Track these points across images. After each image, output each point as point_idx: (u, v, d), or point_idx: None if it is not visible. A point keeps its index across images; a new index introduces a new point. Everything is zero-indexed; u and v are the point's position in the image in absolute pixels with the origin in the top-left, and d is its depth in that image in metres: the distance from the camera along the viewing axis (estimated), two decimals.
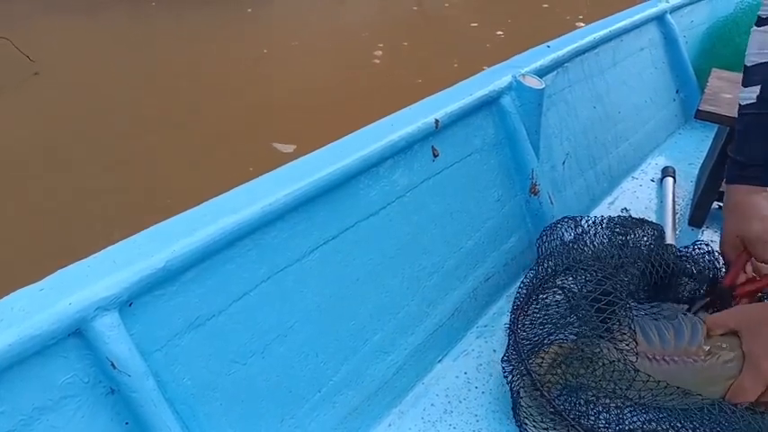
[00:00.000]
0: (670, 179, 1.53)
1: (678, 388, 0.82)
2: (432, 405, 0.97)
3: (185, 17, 5.64)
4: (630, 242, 1.08)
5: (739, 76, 1.41)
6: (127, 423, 0.67)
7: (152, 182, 3.03)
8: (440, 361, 1.05)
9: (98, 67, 4.47)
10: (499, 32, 5.01)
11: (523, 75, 1.19)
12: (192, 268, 0.73)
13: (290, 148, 3.32)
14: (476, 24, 5.34)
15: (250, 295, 0.79)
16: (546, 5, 5.99)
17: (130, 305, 0.67)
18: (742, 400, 0.82)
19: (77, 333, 0.63)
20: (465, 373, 1.02)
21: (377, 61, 4.71)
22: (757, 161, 0.91)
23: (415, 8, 6.25)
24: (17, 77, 4.22)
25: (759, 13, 0.93)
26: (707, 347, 0.86)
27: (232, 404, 0.77)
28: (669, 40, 1.81)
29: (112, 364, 0.64)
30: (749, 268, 0.97)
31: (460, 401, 0.97)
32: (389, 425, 0.94)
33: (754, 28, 0.93)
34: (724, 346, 0.86)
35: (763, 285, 0.95)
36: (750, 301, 0.96)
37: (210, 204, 0.78)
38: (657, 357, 0.87)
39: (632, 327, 0.86)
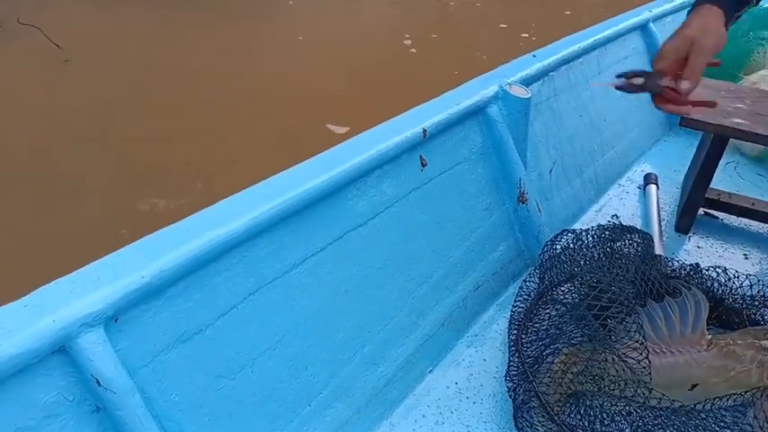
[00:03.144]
0: (653, 186, 1.54)
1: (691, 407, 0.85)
2: (423, 416, 0.96)
3: (220, 7, 5.65)
4: (623, 250, 1.09)
5: (722, 83, 1.44)
6: None
7: (212, 164, 3.01)
8: (430, 371, 1.04)
9: (134, 55, 4.41)
10: (524, 35, 5.08)
11: (510, 84, 1.20)
12: (178, 282, 0.72)
13: (343, 130, 3.31)
14: (505, 25, 5.41)
15: (238, 309, 0.78)
16: (568, 12, 6.11)
17: (116, 321, 0.66)
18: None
19: (61, 350, 0.62)
20: (456, 383, 1.02)
21: (413, 50, 4.82)
22: None
23: (452, 3, 6.38)
24: (48, 65, 4.17)
25: None
26: (709, 336, 0.90)
27: (220, 420, 0.76)
28: (652, 48, 1.83)
29: (98, 382, 0.63)
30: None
31: (452, 412, 0.97)
32: None
33: None
34: (726, 339, 0.91)
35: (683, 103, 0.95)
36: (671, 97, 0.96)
37: (197, 217, 0.77)
38: (664, 350, 0.90)
39: (642, 341, 0.87)
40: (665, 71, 0.92)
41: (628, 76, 0.93)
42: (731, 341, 0.91)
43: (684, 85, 0.91)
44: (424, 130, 1.03)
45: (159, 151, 3.13)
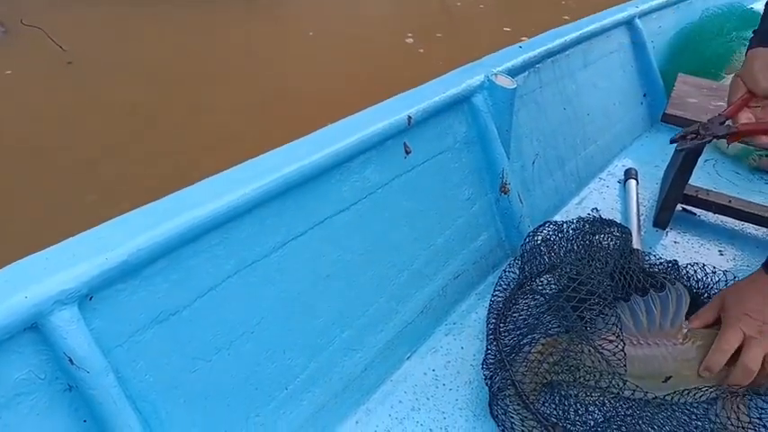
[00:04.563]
0: (633, 181, 1.56)
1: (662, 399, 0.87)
2: (399, 402, 0.97)
3: (228, 6, 5.57)
4: (603, 243, 1.10)
5: (704, 81, 1.45)
6: (85, 421, 0.65)
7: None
8: (408, 358, 1.05)
9: (139, 56, 4.31)
10: (523, 38, 5.11)
11: (496, 74, 1.20)
12: (156, 262, 0.71)
13: None
14: (509, 29, 5.43)
15: (216, 291, 0.77)
16: (566, 17, 6.17)
17: (90, 299, 0.65)
18: (728, 347, 0.87)
19: (33, 327, 0.61)
20: (433, 370, 1.02)
21: (421, 50, 4.82)
22: None
23: (458, 3, 6.38)
24: (51, 67, 4.06)
25: None
26: (685, 330, 0.92)
27: (196, 402, 0.75)
28: (637, 44, 1.84)
29: (70, 360, 0.62)
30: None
31: (428, 398, 0.97)
32: (356, 422, 0.93)
33: None
34: (700, 334, 0.92)
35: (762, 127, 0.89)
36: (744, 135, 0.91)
37: (177, 196, 0.76)
38: (641, 342, 0.91)
39: (619, 333, 0.88)
40: (728, 114, 0.89)
41: (680, 137, 0.91)
42: (705, 336, 0.93)
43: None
44: (409, 117, 1.02)
45: (168, 154, 3.08)
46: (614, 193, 1.56)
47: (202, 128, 3.36)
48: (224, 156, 3.02)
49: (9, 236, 2.40)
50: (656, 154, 1.75)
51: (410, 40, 4.94)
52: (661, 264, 1.11)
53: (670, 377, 0.89)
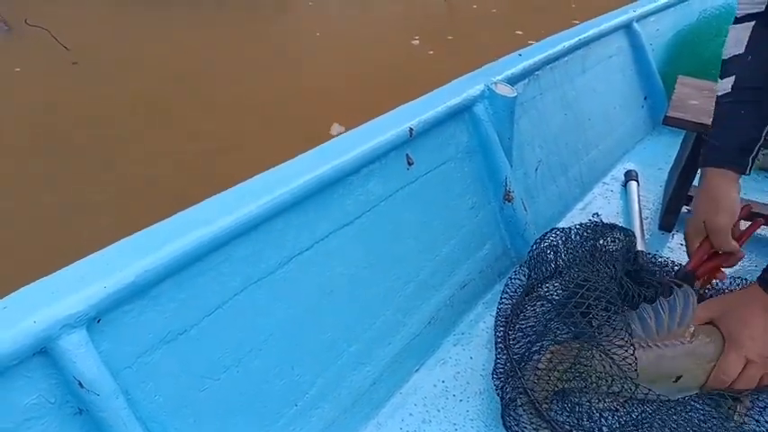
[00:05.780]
0: (634, 183, 1.55)
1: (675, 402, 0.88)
2: (410, 415, 0.96)
3: (237, 6, 5.62)
4: (608, 248, 1.09)
5: (704, 82, 1.46)
6: None
7: (220, 169, 2.95)
8: (417, 370, 1.04)
9: (145, 56, 4.34)
10: (531, 41, 5.12)
11: (496, 83, 1.20)
12: (162, 282, 0.71)
13: None
14: (521, 33, 5.46)
15: (223, 309, 0.77)
16: (576, 21, 6.21)
17: (98, 322, 0.65)
18: (728, 375, 0.87)
19: (43, 352, 0.61)
20: (443, 381, 1.02)
21: (431, 52, 4.86)
22: (732, 145, 0.94)
23: (474, 6, 6.48)
24: (56, 67, 4.09)
25: (736, 13, 0.98)
26: (691, 329, 0.91)
27: (206, 421, 0.75)
28: (636, 47, 1.85)
29: (80, 384, 0.62)
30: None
31: (438, 410, 0.97)
32: None
33: (731, 26, 0.97)
34: (706, 330, 0.92)
35: (720, 262, 0.99)
36: (709, 279, 1.02)
37: (181, 216, 0.77)
38: (650, 345, 0.91)
39: (629, 338, 0.87)
40: (695, 267, 0.99)
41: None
42: (711, 332, 0.92)
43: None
44: (411, 129, 1.03)
45: (168, 153, 3.07)
46: (618, 196, 1.56)
47: (204, 128, 3.38)
48: (224, 156, 3.04)
49: (9, 235, 2.41)
50: (658, 157, 1.75)
51: (416, 42, 4.95)
52: (667, 265, 1.10)
53: (680, 376, 0.89)
